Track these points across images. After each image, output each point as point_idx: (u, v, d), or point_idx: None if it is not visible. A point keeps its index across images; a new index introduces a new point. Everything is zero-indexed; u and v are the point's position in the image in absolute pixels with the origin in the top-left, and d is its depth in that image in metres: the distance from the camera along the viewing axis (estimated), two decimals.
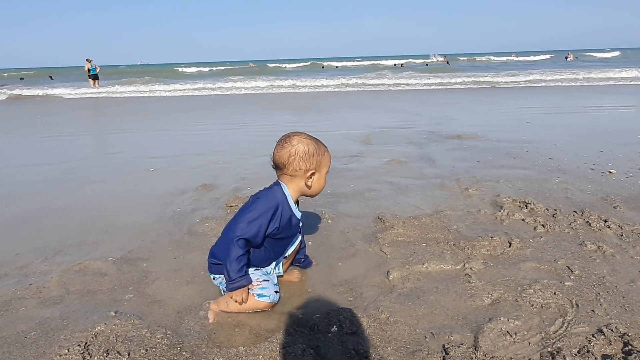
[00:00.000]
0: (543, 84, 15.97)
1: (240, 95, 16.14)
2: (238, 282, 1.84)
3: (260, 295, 1.90)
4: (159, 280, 2.25)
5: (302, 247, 2.25)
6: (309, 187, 1.97)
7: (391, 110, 9.61)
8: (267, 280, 1.95)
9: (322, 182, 2.00)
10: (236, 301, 1.87)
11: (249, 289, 1.90)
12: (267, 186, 2.02)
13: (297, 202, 2.02)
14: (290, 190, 1.96)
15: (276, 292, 1.95)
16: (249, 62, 54.17)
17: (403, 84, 18.01)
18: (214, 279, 2.08)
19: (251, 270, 1.96)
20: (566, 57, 34.15)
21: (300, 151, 1.90)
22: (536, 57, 48.70)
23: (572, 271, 2.15)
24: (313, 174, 1.94)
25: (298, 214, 2.01)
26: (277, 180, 2.00)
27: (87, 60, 22.14)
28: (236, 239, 1.82)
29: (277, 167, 1.96)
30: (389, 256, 2.42)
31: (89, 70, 22.29)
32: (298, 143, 1.91)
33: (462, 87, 16.11)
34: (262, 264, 2.02)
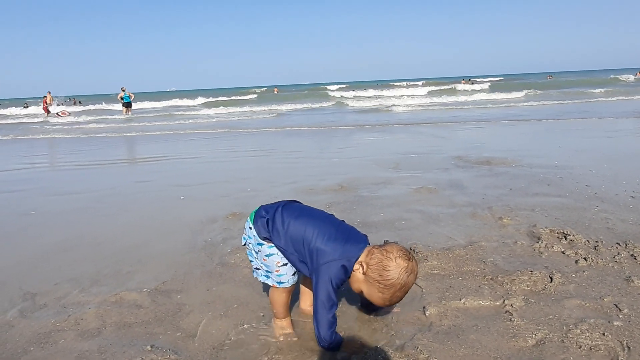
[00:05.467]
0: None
1: (263, 120, 16.39)
2: (334, 344, 1.87)
3: (279, 283, 1.96)
4: (193, 314, 2.26)
5: None
6: (353, 270, 1.85)
7: (416, 134, 9.57)
8: (286, 265, 1.95)
9: (354, 285, 1.88)
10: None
11: (268, 276, 1.98)
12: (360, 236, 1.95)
13: None
14: (361, 259, 1.86)
15: (294, 274, 1.98)
16: (274, 87, 55.29)
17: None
18: (250, 228, 2.01)
19: (274, 250, 1.94)
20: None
21: (389, 268, 1.79)
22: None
23: (620, 309, 2.05)
24: (363, 273, 1.83)
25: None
26: (361, 240, 1.92)
27: (121, 89, 23.04)
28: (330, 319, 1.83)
29: (384, 243, 1.92)
30: (424, 290, 2.36)
31: (122, 98, 23.14)
32: (397, 269, 1.78)
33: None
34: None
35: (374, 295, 1.83)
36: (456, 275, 2.52)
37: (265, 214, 1.98)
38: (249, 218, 2.04)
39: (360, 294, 1.91)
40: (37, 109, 29.18)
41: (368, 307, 2.18)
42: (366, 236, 1.98)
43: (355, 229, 2.00)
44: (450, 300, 2.22)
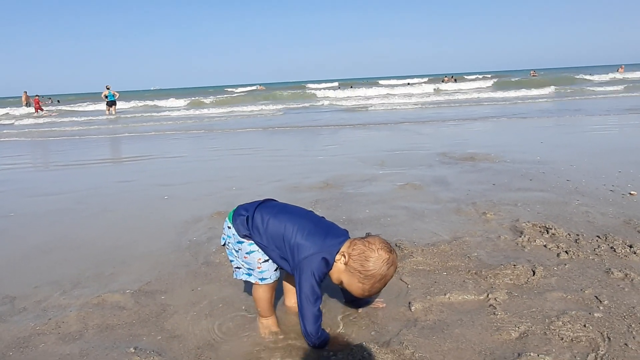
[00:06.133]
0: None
1: (250, 118, 16.27)
2: (322, 340, 1.87)
3: (262, 279, 1.96)
4: (177, 314, 2.23)
5: None
6: (335, 260, 1.87)
7: (399, 131, 9.63)
8: (267, 261, 1.95)
9: (334, 276, 1.90)
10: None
11: (250, 274, 1.98)
12: (336, 228, 1.97)
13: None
14: (343, 250, 1.88)
15: (275, 270, 1.98)
16: (258, 85, 54.95)
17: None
18: (229, 228, 2.00)
19: (255, 247, 1.94)
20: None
21: (366, 257, 1.82)
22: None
23: (600, 301, 2.08)
24: (344, 263, 1.85)
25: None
26: (341, 234, 1.95)
27: (106, 87, 22.66)
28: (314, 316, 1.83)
29: (366, 236, 1.94)
30: (409, 286, 2.37)
31: (106, 96, 22.76)
32: (378, 260, 1.82)
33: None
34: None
35: (354, 285, 1.86)
36: (441, 271, 2.54)
37: (244, 212, 1.98)
38: (227, 218, 2.04)
39: (340, 284, 1.93)
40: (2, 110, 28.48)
41: (353, 302, 2.18)
42: (347, 231, 1.99)
43: (335, 225, 2.02)
44: (435, 296, 2.24)
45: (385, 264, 1.82)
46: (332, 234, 1.91)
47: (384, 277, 1.84)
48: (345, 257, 1.85)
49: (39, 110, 26.36)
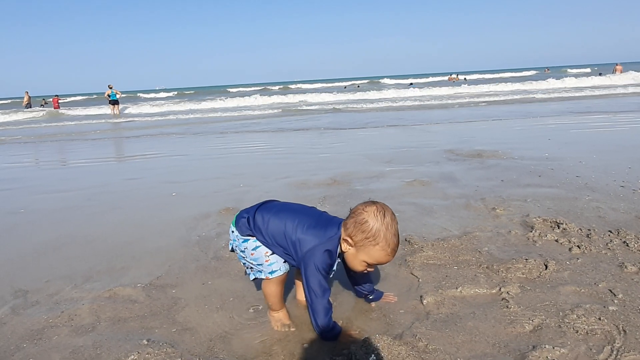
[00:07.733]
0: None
1: (257, 115, 16.28)
2: (333, 333, 1.88)
3: (271, 272, 1.94)
4: (188, 307, 2.24)
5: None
6: (343, 251, 1.88)
7: (407, 129, 9.60)
8: (274, 254, 1.95)
9: (355, 263, 1.87)
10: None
11: (260, 270, 1.96)
12: (330, 217, 1.98)
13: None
14: (343, 237, 1.87)
15: (284, 262, 1.97)
16: (265, 85, 55.00)
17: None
18: (232, 232, 2.02)
19: (259, 243, 1.95)
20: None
21: (364, 220, 1.79)
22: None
23: (615, 295, 2.07)
24: (352, 245, 1.84)
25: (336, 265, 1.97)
26: (339, 223, 1.91)
27: (108, 86, 22.79)
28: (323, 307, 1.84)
29: (350, 211, 1.91)
30: (420, 280, 2.36)
31: (109, 96, 22.88)
32: (370, 216, 1.79)
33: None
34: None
35: (375, 254, 1.81)
36: (452, 265, 2.53)
37: (245, 214, 2.00)
38: (231, 223, 2.05)
39: (367, 268, 1.89)
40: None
41: (365, 296, 2.18)
42: None
43: (336, 217, 2.01)
44: (447, 289, 2.23)
45: (379, 214, 1.79)
46: (331, 226, 1.91)
47: (389, 225, 1.79)
48: (348, 240, 1.84)
49: (58, 107, 29.35)
